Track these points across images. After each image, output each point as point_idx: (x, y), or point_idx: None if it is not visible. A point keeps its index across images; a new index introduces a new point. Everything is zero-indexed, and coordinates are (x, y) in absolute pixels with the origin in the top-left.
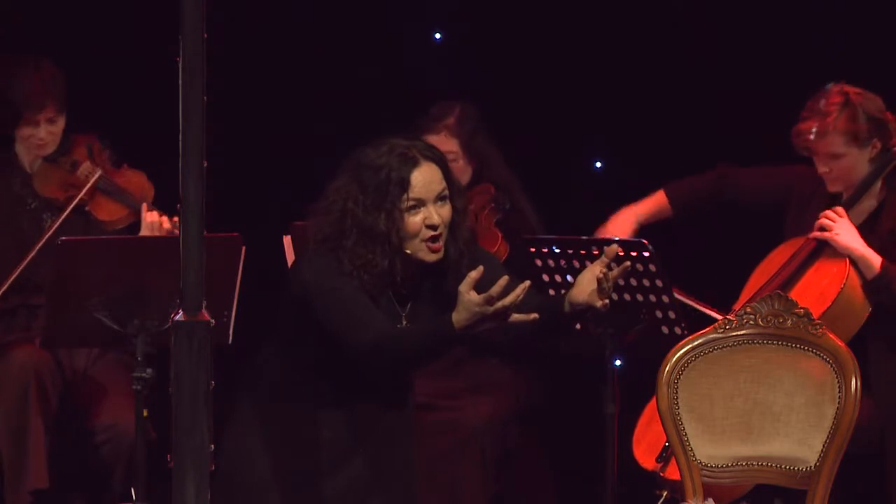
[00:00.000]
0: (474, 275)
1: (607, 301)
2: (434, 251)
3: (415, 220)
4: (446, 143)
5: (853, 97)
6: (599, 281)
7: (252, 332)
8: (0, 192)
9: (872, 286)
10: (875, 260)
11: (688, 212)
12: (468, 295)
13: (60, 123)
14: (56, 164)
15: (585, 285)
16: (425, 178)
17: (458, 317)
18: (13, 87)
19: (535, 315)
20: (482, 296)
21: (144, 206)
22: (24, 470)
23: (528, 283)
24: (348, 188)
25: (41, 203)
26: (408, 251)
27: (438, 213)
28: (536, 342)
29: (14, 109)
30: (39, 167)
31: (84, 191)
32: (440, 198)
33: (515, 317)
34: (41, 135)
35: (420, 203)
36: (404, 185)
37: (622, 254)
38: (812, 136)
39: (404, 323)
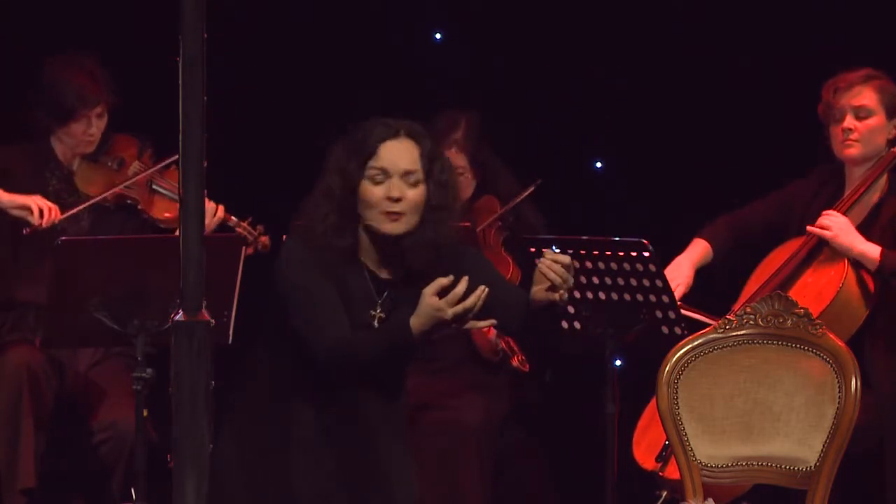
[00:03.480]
0: (444, 281)
1: (564, 293)
2: (391, 220)
3: (374, 189)
4: (456, 158)
5: (886, 77)
6: (544, 273)
7: (252, 332)
8: (35, 190)
9: (878, 275)
10: (874, 252)
11: (725, 253)
12: (429, 298)
13: (105, 120)
14: (98, 164)
15: (540, 282)
16: (395, 151)
17: (416, 321)
18: (66, 84)
19: (492, 321)
20: (442, 301)
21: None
22: (16, 469)
23: (485, 288)
24: (334, 152)
25: (81, 201)
26: (368, 222)
27: (401, 191)
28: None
29: (66, 106)
30: (81, 166)
31: (135, 179)
32: (410, 177)
33: (472, 323)
34: (93, 130)
35: (384, 173)
36: (370, 150)
37: (619, 253)
38: (843, 84)
39: (378, 311)
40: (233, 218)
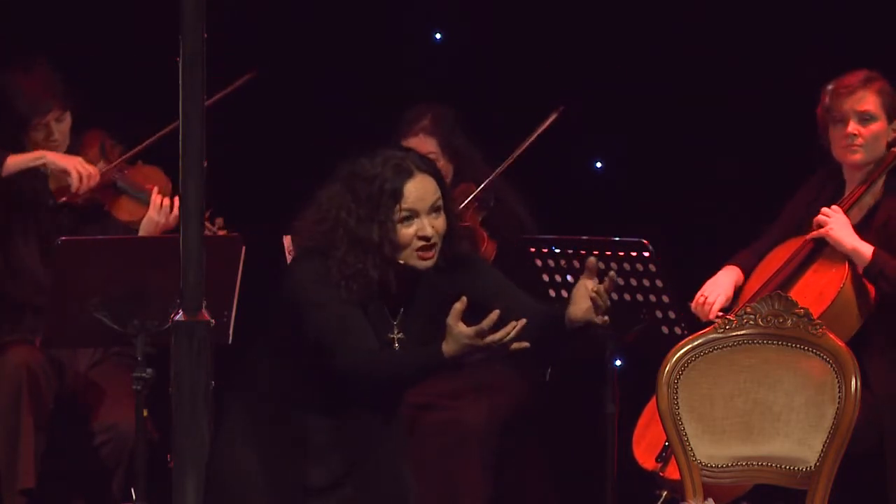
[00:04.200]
0: (459, 307)
1: (606, 317)
2: (425, 259)
3: (408, 231)
4: (424, 143)
5: (883, 78)
6: (593, 298)
7: (252, 332)
8: (18, 193)
9: (867, 275)
10: (866, 250)
11: None
12: (457, 328)
13: (68, 121)
14: None
15: (581, 302)
16: (419, 190)
17: (448, 348)
18: (16, 96)
19: (525, 345)
20: (473, 329)
21: (154, 188)
22: (16, 469)
23: (524, 321)
24: (341, 198)
25: (59, 204)
26: (401, 261)
27: (432, 225)
28: (542, 354)
29: (20, 117)
30: (52, 170)
31: (97, 182)
32: (434, 209)
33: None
34: (55, 136)
35: (413, 214)
36: (397, 196)
37: (619, 253)
38: (843, 89)
39: (396, 332)
40: None
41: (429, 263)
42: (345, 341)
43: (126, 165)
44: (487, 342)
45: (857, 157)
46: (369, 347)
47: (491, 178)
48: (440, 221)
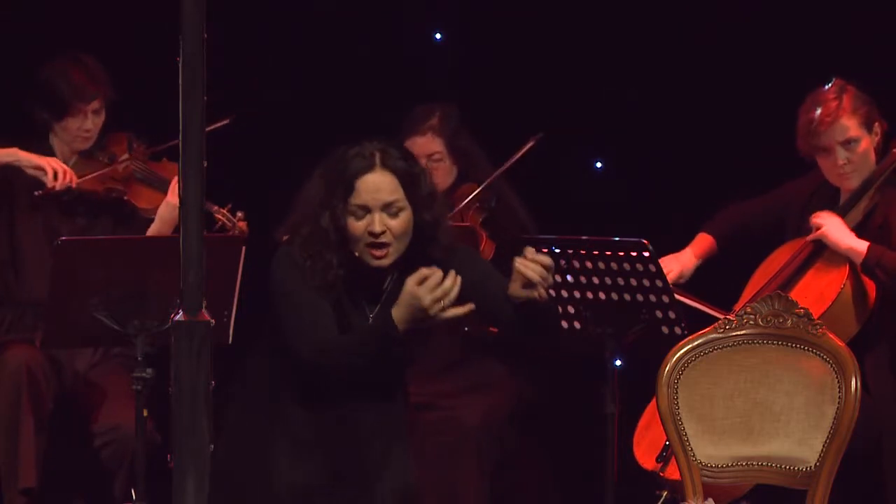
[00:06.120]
0: (425, 271)
1: (543, 292)
2: (376, 258)
3: (357, 223)
4: (432, 143)
5: (846, 85)
6: (519, 270)
7: (252, 332)
8: (31, 184)
9: (864, 270)
10: (861, 246)
11: (728, 246)
12: (410, 287)
13: (102, 117)
14: (93, 158)
15: (515, 279)
16: (372, 185)
17: (397, 311)
18: (62, 78)
19: (470, 306)
20: (419, 287)
21: (175, 179)
22: (16, 469)
23: (459, 278)
24: (315, 181)
25: (74, 196)
26: (356, 253)
27: (383, 223)
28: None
29: (62, 100)
30: (77, 162)
31: (119, 175)
32: (389, 208)
33: (451, 311)
34: (88, 125)
35: (364, 209)
36: (349, 187)
37: (619, 253)
38: (823, 127)
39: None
40: (213, 206)
41: (382, 262)
42: (302, 326)
43: (149, 160)
44: (431, 299)
45: (853, 182)
46: (325, 330)
47: (493, 177)
48: (396, 222)
